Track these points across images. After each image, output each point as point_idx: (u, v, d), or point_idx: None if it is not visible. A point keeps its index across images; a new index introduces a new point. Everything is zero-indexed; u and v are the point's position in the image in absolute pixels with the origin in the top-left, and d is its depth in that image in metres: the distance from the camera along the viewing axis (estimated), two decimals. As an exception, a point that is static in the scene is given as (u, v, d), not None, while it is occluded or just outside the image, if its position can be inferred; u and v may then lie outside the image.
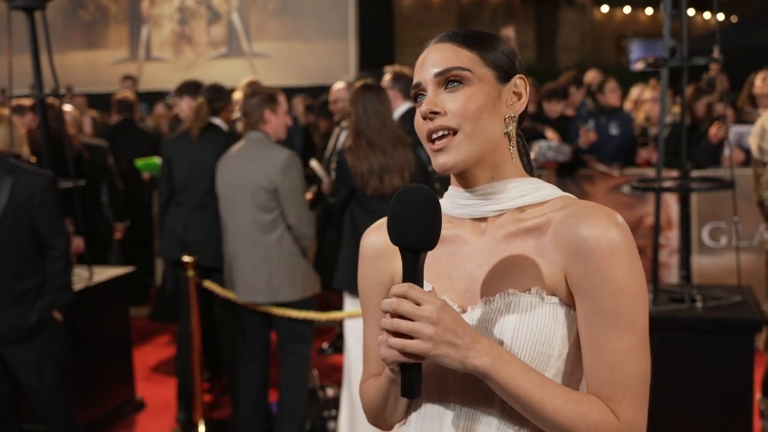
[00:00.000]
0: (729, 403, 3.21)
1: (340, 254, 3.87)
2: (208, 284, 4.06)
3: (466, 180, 1.29)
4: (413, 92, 1.29)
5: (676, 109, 6.35)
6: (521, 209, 1.27)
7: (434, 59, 1.26)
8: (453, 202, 1.31)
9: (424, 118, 1.24)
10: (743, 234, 5.39)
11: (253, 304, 3.75)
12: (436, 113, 1.23)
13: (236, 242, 3.73)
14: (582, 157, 5.84)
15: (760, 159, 4.51)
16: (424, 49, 1.31)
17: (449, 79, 1.24)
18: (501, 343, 1.20)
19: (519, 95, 1.29)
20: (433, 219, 1.15)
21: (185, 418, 4.37)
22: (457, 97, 1.23)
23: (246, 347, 3.87)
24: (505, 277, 1.23)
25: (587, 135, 5.75)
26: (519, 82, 1.29)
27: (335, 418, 4.10)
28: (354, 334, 3.75)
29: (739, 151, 5.61)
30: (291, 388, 3.80)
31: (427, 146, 1.26)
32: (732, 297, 3.38)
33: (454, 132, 1.23)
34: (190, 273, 4.02)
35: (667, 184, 3.57)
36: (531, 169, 1.36)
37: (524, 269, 1.23)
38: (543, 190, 1.29)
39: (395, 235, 1.16)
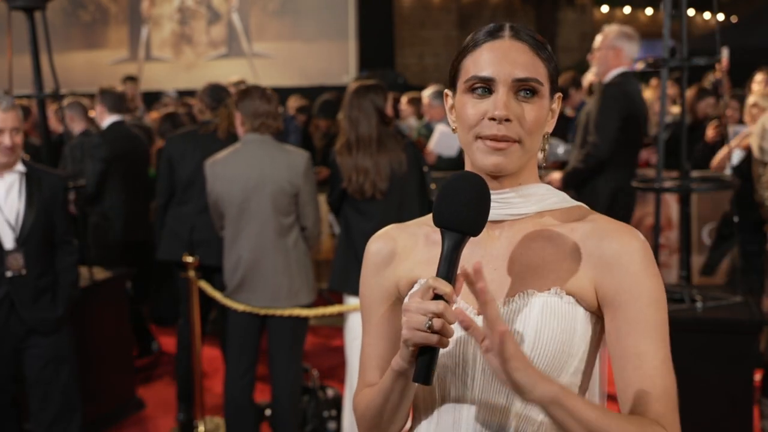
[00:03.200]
0: (729, 403, 3.21)
1: (334, 255, 3.86)
2: (202, 285, 4.04)
3: (494, 183, 1.27)
4: (474, 82, 1.23)
5: (676, 110, 6.36)
6: (540, 214, 1.28)
7: (514, 59, 1.22)
8: None
9: (492, 119, 1.21)
10: (743, 234, 5.38)
11: (254, 308, 3.72)
12: (508, 121, 1.21)
13: (255, 249, 3.62)
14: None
15: (760, 159, 4.51)
16: (494, 38, 1.24)
17: (524, 88, 1.22)
18: (522, 343, 1.20)
19: (554, 112, 1.30)
20: (486, 205, 1.16)
21: (185, 418, 4.36)
22: (530, 110, 1.23)
23: (239, 357, 3.80)
24: (524, 279, 1.24)
25: None
26: (557, 101, 1.31)
27: (335, 418, 4.10)
28: (354, 331, 3.74)
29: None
30: (284, 392, 3.77)
31: (477, 142, 1.24)
32: (732, 297, 3.38)
33: (515, 141, 1.23)
34: (191, 273, 4.02)
35: (667, 184, 3.57)
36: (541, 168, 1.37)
37: (543, 272, 1.23)
38: (557, 197, 1.30)
39: (445, 214, 1.16)
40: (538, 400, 1.12)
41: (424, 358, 1.15)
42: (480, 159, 1.23)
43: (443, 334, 1.12)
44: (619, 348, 1.21)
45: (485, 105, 1.22)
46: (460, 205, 1.15)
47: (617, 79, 4.34)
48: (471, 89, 1.24)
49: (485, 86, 1.23)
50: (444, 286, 1.12)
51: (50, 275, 3.42)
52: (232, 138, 4.20)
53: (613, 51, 4.33)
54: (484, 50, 1.24)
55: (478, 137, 1.23)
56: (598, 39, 4.41)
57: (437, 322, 1.11)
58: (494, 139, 1.22)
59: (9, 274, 3.29)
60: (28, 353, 3.41)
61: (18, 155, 3.34)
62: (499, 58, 1.22)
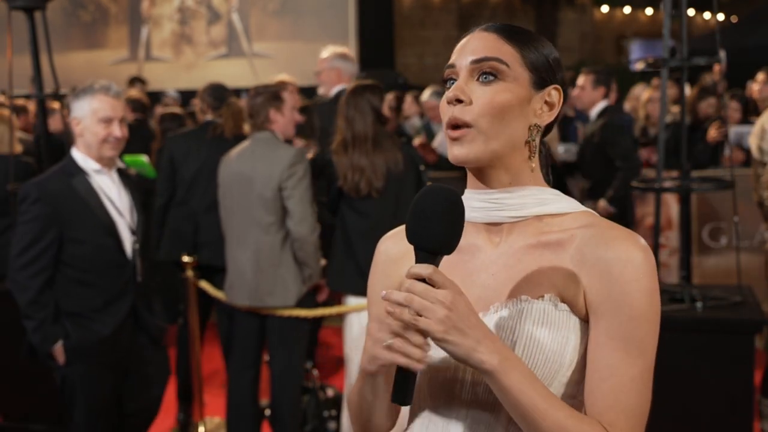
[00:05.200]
0: (729, 403, 3.21)
1: (330, 254, 3.86)
2: (203, 284, 4.04)
3: (482, 180, 1.26)
4: (446, 73, 1.25)
5: (676, 109, 6.35)
6: (540, 219, 1.25)
7: (475, 46, 1.23)
8: (468, 205, 1.24)
9: (449, 103, 1.22)
10: (743, 234, 5.39)
11: (254, 307, 3.72)
12: (460, 101, 1.20)
13: (244, 245, 3.67)
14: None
15: (759, 159, 4.52)
16: (466, 35, 1.27)
17: (484, 70, 1.21)
18: (513, 349, 1.18)
19: (551, 106, 1.26)
20: (456, 221, 1.11)
21: (185, 418, 4.36)
22: (486, 91, 1.20)
23: (241, 355, 3.82)
24: (520, 286, 1.22)
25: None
26: (554, 93, 1.26)
27: (335, 418, 4.10)
28: (353, 331, 3.74)
29: (739, 151, 5.62)
30: (284, 392, 3.77)
31: (447, 132, 1.23)
32: (732, 297, 3.38)
33: (469, 126, 1.20)
34: (190, 273, 4.02)
35: (667, 184, 3.57)
36: (549, 180, 1.32)
37: (540, 279, 1.21)
38: (563, 202, 1.27)
39: (414, 234, 1.12)
40: (475, 368, 1.11)
41: (398, 378, 1.11)
42: (448, 154, 1.24)
43: (408, 355, 1.09)
44: (593, 357, 1.19)
45: (447, 94, 1.24)
46: (426, 222, 1.10)
47: (336, 96, 4.72)
48: (444, 83, 1.26)
49: (451, 77, 1.24)
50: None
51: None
52: (238, 137, 4.22)
53: (335, 71, 4.89)
54: (457, 46, 1.27)
55: (446, 127, 1.23)
56: (320, 59, 5.00)
57: (397, 342, 1.09)
58: (450, 124, 1.21)
59: (139, 279, 3.05)
60: (147, 367, 3.18)
61: (122, 149, 3.07)
62: (461, 48, 1.25)
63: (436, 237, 1.11)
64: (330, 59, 4.91)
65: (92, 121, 2.92)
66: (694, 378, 3.21)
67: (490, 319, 1.21)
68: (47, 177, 3.02)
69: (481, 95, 1.20)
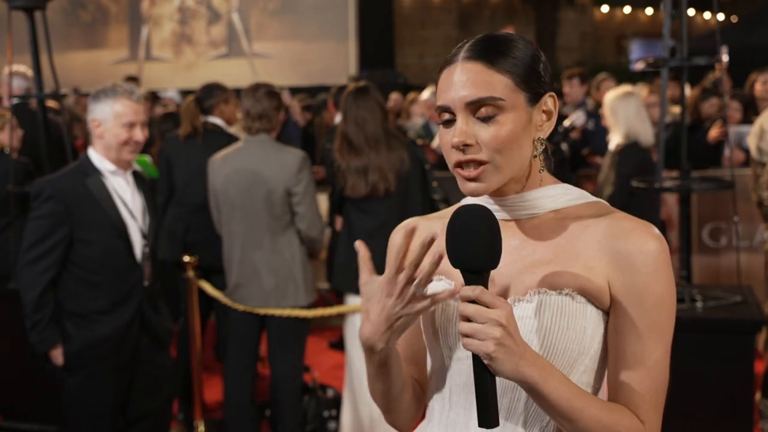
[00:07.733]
0: (729, 403, 3.21)
1: (336, 253, 3.86)
2: (202, 284, 4.04)
3: (496, 193, 1.29)
4: (439, 112, 1.25)
5: (676, 110, 6.36)
6: (555, 212, 1.28)
7: (464, 82, 1.21)
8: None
9: (455, 147, 1.22)
10: (743, 234, 5.39)
11: (254, 308, 3.72)
12: (468, 146, 1.21)
13: (248, 248, 3.65)
14: (583, 152, 5.88)
15: (758, 159, 4.52)
16: (450, 62, 1.26)
17: (483, 113, 1.21)
18: (531, 342, 1.21)
19: (549, 114, 1.27)
20: (495, 237, 1.13)
21: (185, 418, 4.36)
22: (490, 129, 1.20)
23: (240, 355, 3.82)
24: (536, 276, 1.24)
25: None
26: (549, 101, 1.27)
27: (335, 418, 4.10)
28: (354, 331, 3.74)
29: (739, 151, 5.61)
30: (285, 392, 3.77)
31: (454, 169, 1.25)
32: (732, 297, 3.38)
33: (483, 163, 1.22)
34: (190, 273, 4.02)
35: (667, 184, 3.57)
36: (560, 173, 1.36)
37: (555, 269, 1.23)
38: (573, 194, 1.30)
39: (457, 257, 1.14)
40: (516, 382, 1.15)
41: (480, 396, 1.12)
42: (461, 188, 1.26)
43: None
44: (616, 345, 1.23)
45: (450, 134, 1.23)
46: (467, 244, 1.12)
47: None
48: (441, 120, 1.26)
49: (450, 115, 1.24)
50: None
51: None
52: (231, 136, 4.21)
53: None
54: (442, 78, 1.26)
55: (453, 166, 1.25)
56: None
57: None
58: (459, 164, 1.23)
59: (146, 283, 3.02)
60: (157, 370, 3.15)
61: (140, 151, 3.04)
62: (452, 83, 1.23)
63: (479, 257, 1.13)
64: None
65: (114, 124, 2.90)
66: (694, 378, 3.21)
67: None
68: (62, 175, 3.00)
69: (485, 134, 1.21)
